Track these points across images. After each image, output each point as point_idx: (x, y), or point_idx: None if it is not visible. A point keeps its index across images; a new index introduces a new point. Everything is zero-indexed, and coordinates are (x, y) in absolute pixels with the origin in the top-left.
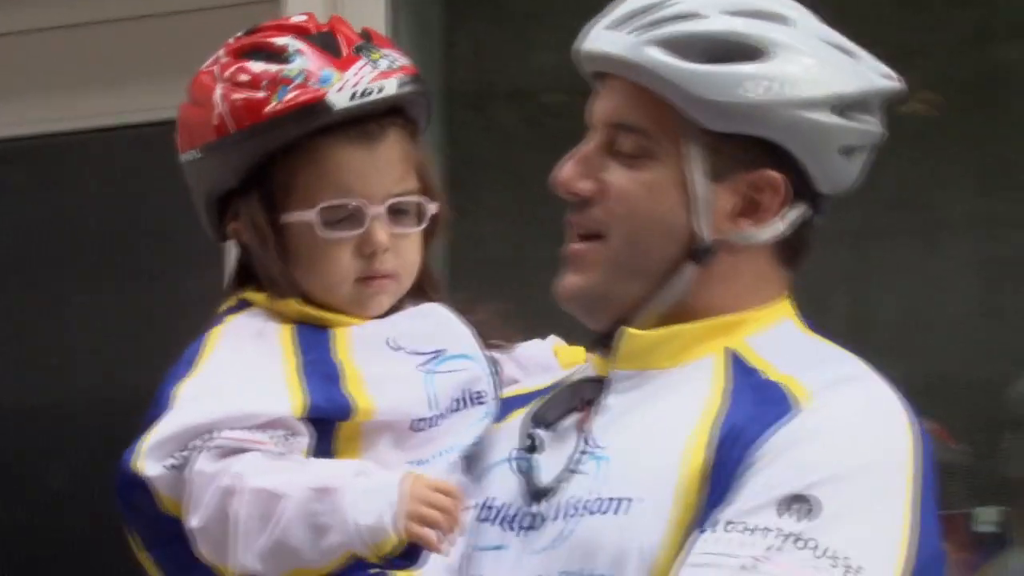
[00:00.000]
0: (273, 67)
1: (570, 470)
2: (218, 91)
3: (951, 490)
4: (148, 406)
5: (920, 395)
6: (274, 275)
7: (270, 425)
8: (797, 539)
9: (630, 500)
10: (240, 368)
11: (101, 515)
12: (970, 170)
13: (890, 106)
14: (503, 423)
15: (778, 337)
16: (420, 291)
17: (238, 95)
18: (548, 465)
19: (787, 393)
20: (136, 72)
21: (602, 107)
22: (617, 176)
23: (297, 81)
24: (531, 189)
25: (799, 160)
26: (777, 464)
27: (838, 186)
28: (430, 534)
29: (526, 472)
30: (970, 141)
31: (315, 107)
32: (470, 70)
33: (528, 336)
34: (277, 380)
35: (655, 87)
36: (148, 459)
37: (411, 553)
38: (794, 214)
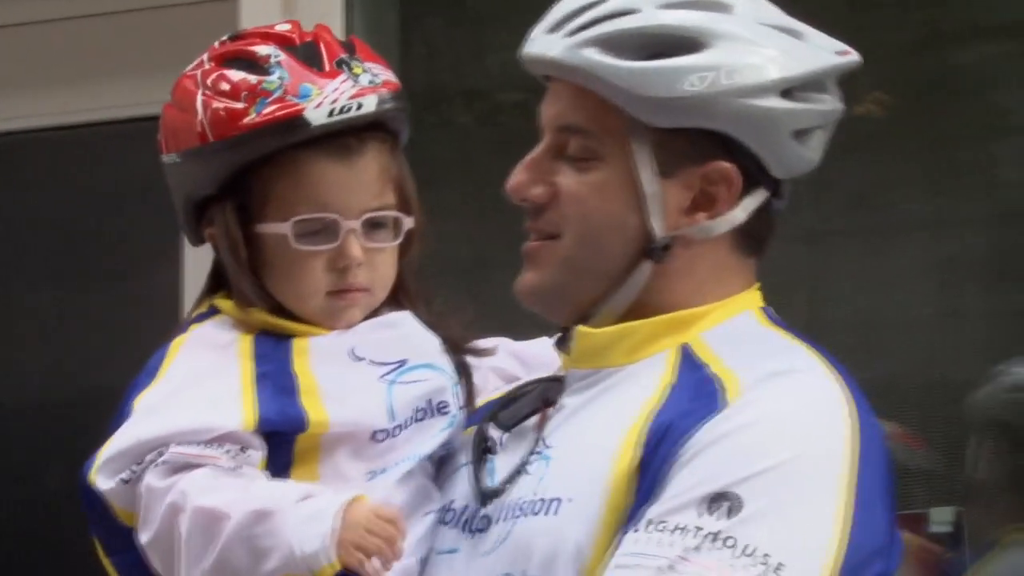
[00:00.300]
0: (253, 77)
1: (520, 471)
2: (199, 98)
3: (912, 491)
4: (107, 410)
5: (875, 396)
6: (241, 285)
7: (222, 439)
8: (718, 538)
9: (563, 500)
10: (196, 381)
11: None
12: (923, 171)
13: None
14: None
15: (733, 330)
16: (396, 302)
17: (218, 104)
18: (504, 466)
19: (721, 388)
20: (89, 71)
21: (549, 110)
22: (567, 179)
23: (276, 95)
24: (487, 188)
25: (751, 148)
26: (701, 461)
27: (795, 170)
28: (368, 565)
29: (476, 474)
30: (922, 142)
31: (292, 122)
32: (425, 70)
33: (486, 335)
34: (230, 393)
35: (595, 88)
36: (101, 473)
37: None
38: (751, 202)
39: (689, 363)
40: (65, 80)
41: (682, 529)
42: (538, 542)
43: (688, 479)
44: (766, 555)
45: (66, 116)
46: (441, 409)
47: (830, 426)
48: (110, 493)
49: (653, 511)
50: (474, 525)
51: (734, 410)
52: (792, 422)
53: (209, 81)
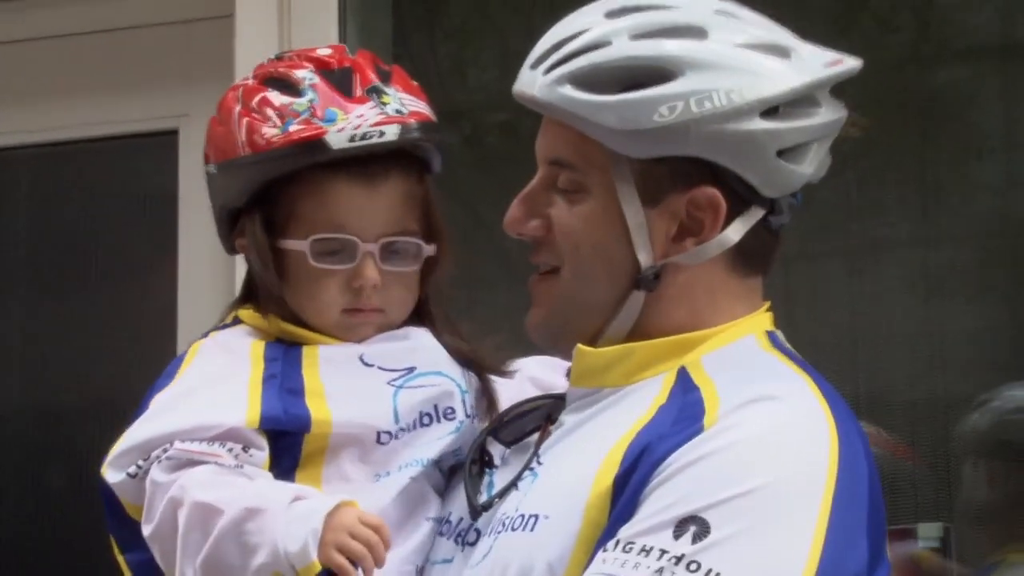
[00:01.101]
0: (286, 99)
1: (512, 486)
2: (236, 113)
3: (898, 505)
4: (102, 418)
5: (860, 413)
6: (270, 293)
7: (225, 437)
8: (681, 561)
9: (541, 517)
10: (207, 382)
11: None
12: (903, 190)
13: None
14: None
15: (732, 355)
16: (419, 324)
17: (250, 120)
18: (502, 481)
19: (702, 413)
20: (85, 87)
21: (540, 144)
22: (560, 212)
23: (303, 116)
24: (471, 207)
25: (735, 170)
26: (673, 483)
27: (788, 187)
28: (348, 566)
29: (468, 488)
30: (902, 162)
31: (314, 144)
32: None
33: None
34: (237, 392)
35: (573, 124)
36: (112, 467)
37: None
38: (744, 222)
39: (683, 385)
40: (58, 96)
41: (647, 551)
42: (513, 558)
43: (659, 501)
44: None
45: (61, 132)
46: (447, 415)
47: (806, 453)
48: (118, 487)
49: (624, 532)
50: (467, 538)
51: (710, 435)
52: (766, 449)
53: (247, 98)
